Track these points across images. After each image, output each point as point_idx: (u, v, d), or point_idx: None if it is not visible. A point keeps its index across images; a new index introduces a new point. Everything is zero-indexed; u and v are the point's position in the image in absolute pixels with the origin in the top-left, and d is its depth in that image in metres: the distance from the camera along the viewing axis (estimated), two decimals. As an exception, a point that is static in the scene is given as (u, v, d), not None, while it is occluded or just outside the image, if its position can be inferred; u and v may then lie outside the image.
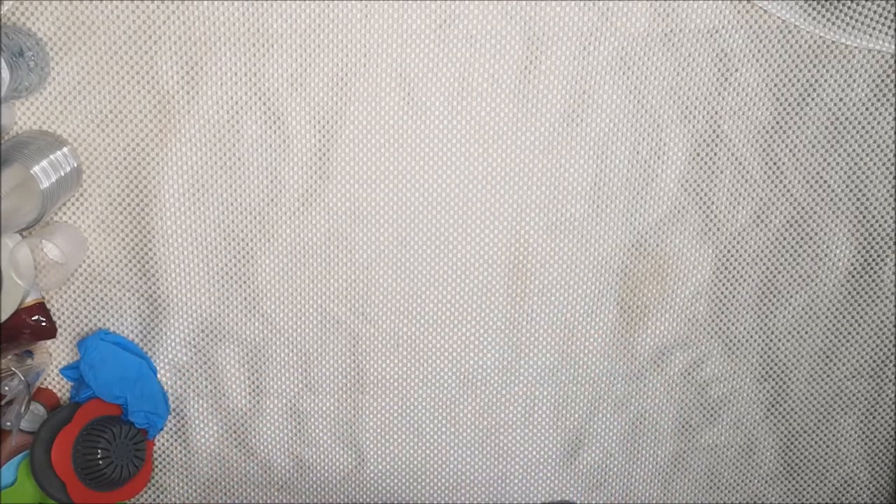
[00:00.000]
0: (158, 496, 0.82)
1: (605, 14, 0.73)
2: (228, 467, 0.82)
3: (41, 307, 0.74)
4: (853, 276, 0.81)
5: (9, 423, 0.70)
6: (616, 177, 0.78)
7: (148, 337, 0.78)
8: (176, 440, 0.81)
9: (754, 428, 0.85)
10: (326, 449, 0.82)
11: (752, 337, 0.83)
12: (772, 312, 0.82)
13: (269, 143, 0.75)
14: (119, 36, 0.71)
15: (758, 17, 0.74)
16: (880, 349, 0.83)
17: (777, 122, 0.77)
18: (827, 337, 0.83)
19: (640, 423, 0.84)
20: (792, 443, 0.86)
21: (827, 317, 0.83)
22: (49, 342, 0.77)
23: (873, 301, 0.82)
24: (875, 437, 0.86)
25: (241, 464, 0.82)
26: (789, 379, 0.84)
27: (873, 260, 0.81)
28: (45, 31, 0.70)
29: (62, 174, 0.69)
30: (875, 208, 0.80)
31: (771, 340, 0.83)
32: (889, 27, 0.72)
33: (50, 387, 0.78)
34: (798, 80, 0.76)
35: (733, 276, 0.81)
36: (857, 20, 0.73)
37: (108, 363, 0.75)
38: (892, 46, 0.74)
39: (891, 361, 0.84)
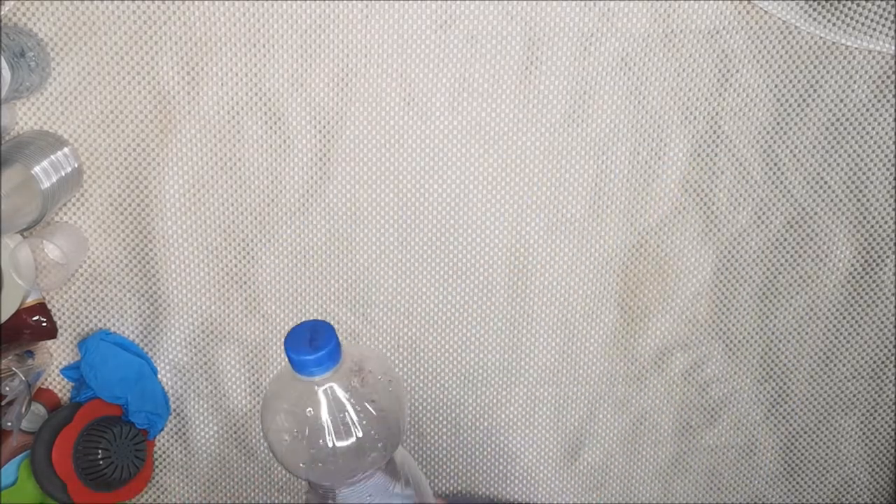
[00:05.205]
0: (158, 496, 0.82)
1: (606, 14, 0.73)
2: (228, 467, 0.82)
3: (42, 307, 0.75)
4: (854, 277, 0.81)
5: (9, 424, 0.70)
6: (616, 177, 0.78)
7: (148, 337, 0.78)
8: (176, 440, 0.81)
9: (755, 428, 0.85)
10: (326, 449, 0.82)
11: (752, 338, 0.83)
12: (772, 313, 0.82)
13: (269, 143, 0.75)
14: (119, 36, 0.71)
15: (758, 17, 0.74)
16: (881, 350, 0.83)
17: (777, 123, 0.77)
18: (827, 337, 0.83)
19: (641, 423, 0.84)
20: (792, 443, 0.85)
21: (827, 317, 0.82)
22: (50, 342, 0.77)
23: (874, 302, 0.82)
24: (875, 437, 0.86)
25: (241, 464, 0.82)
26: (790, 379, 0.84)
27: (874, 260, 0.81)
28: (45, 31, 0.70)
29: (63, 174, 0.69)
30: (875, 209, 0.80)
31: (771, 341, 0.83)
32: (889, 27, 0.72)
33: (50, 387, 0.78)
34: (798, 81, 0.76)
35: (734, 277, 0.81)
36: (857, 21, 0.73)
37: (108, 363, 0.75)
38: (893, 47, 0.73)
39: (891, 362, 0.84)
